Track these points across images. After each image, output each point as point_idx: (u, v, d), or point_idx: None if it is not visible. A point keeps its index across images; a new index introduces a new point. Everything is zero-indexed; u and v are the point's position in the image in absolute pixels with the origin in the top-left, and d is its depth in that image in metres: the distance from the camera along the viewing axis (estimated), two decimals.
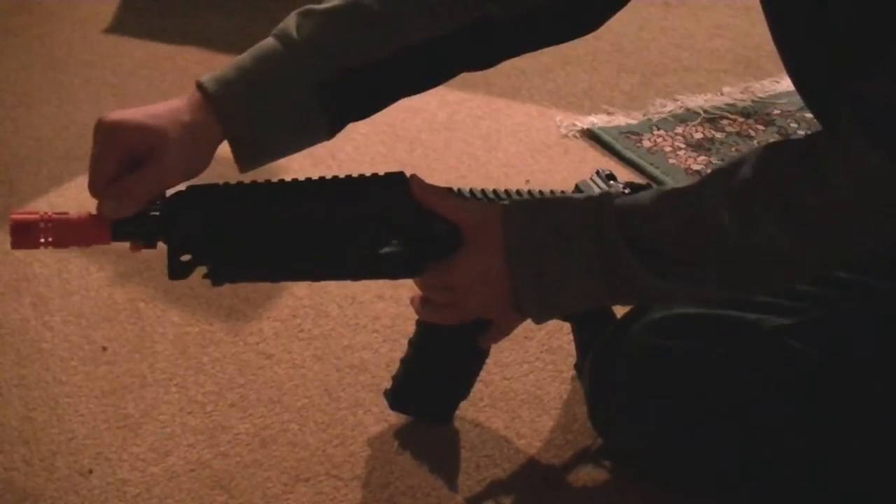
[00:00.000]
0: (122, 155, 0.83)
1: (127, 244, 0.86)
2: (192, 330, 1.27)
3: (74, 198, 1.59)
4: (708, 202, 0.81)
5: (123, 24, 2.27)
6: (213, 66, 2.07)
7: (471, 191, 0.95)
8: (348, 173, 0.91)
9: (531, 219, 0.87)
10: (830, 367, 0.91)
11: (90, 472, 1.06)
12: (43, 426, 1.13)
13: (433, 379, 1.05)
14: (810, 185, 0.77)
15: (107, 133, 0.83)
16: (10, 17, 2.31)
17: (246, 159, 0.89)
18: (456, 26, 0.92)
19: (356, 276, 0.94)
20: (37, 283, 1.37)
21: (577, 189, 1.02)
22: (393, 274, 0.93)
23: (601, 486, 1.04)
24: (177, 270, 0.87)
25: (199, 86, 0.87)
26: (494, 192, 0.96)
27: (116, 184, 0.83)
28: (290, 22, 0.90)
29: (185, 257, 0.87)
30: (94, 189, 0.83)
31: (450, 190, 0.94)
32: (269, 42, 0.90)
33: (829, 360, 0.90)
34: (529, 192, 0.98)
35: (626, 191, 0.97)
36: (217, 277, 0.89)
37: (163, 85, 1.99)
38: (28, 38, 2.21)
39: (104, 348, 1.25)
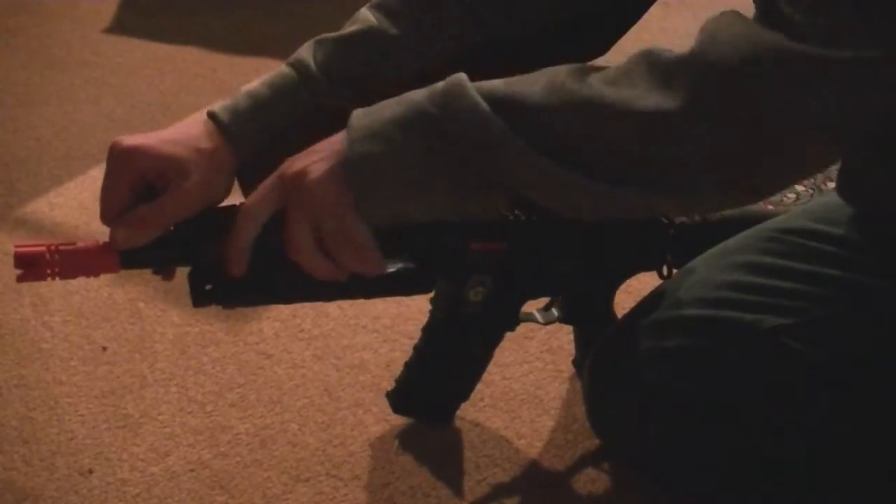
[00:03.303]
0: (135, 181, 0.80)
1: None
2: (192, 330, 1.27)
3: (75, 197, 1.59)
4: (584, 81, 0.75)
5: (123, 24, 2.28)
6: (214, 66, 2.10)
7: None
8: None
9: (374, 108, 0.79)
10: (830, 367, 0.91)
11: (90, 472, 1.06)
12: (43, 426, 1.13)
13: (437, 384, 1.06)
14: (675, 51, 0.74)
15: (120, 158, 0.81)
16: (10, 17, 2.31)
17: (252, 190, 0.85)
18: (467, 50, 0.91)
19: (369, 294, 0.93)
20: (37, 283, 1.36)
21: None
22: (404, 291, 0.93)
23: (601, 486, 1.04)
24: (202, 299, 0.85)
25: (213, 116, 0.85)
26: None
27: (131, 213, 0.80)
28: (305, 51, 0.89)
29: (208, 286, 0.85)
30: (106, 217, 0.81)
31: None
32: (283, 71, 0.88)
33: (829, 360, 0.91)
34: None
35: None
36: (228, 301, 0.87)
37: (163, 85, 1.99)
38: (28, 38, 2.21)
39: (104, 348, 1.25)
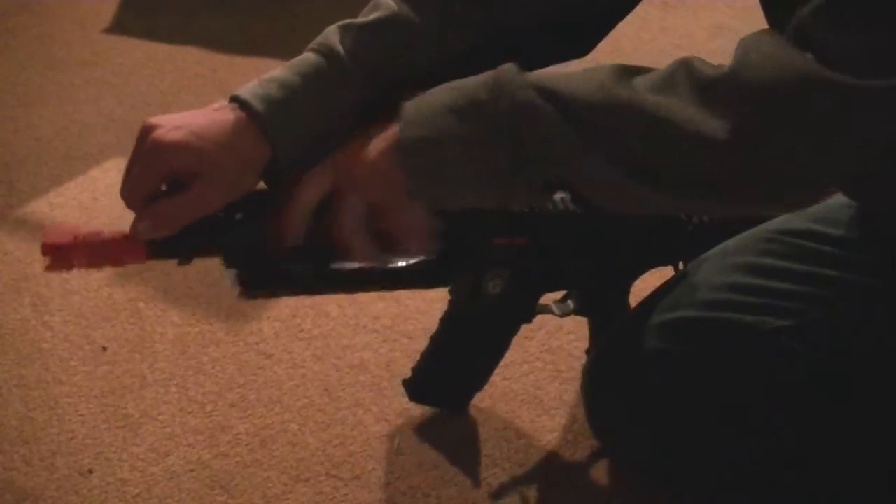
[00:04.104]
0: (167, 176, 0.80)
1: None
2: (192, 330, 1.27)
3: (75, 197, 1.59)
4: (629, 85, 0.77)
5: (123, 24, 2.27)
6: (214, 66, 2.10)
7: None
8: None
9: (427, 95, 0.80)
10: (830, 367, 0.91)
11: (90, 472, 1.07)
12: (43, 426, 1.13)
13: (453, 373, 1.07)
14: (713, 66, 0.75)
15: (156, 153, 0.80)
16: (10, 17, 2.31)
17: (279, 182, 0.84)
18: (485, 39, 0.91)
19: (393, 286, 0.93)
20: (37, 283, 1.37)
21: None
22: (424, 284, 0.93)
23: (601, 486, 1.04)
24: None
25: (245, 104, 0.82)
26: None
27: (154, 206, 0.80)
28: (331, 37, 0.87)
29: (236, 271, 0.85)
30: (129, 203, 0.80)
31: None
32: (311, 58, 0.86)
33: (829, 360, 0.91)
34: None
35: None
36: (254, 290, 0.87)
37: (163, 85, 1.99)
38: (28, 38, 2.21)
39: (104, 348, 1.25)
